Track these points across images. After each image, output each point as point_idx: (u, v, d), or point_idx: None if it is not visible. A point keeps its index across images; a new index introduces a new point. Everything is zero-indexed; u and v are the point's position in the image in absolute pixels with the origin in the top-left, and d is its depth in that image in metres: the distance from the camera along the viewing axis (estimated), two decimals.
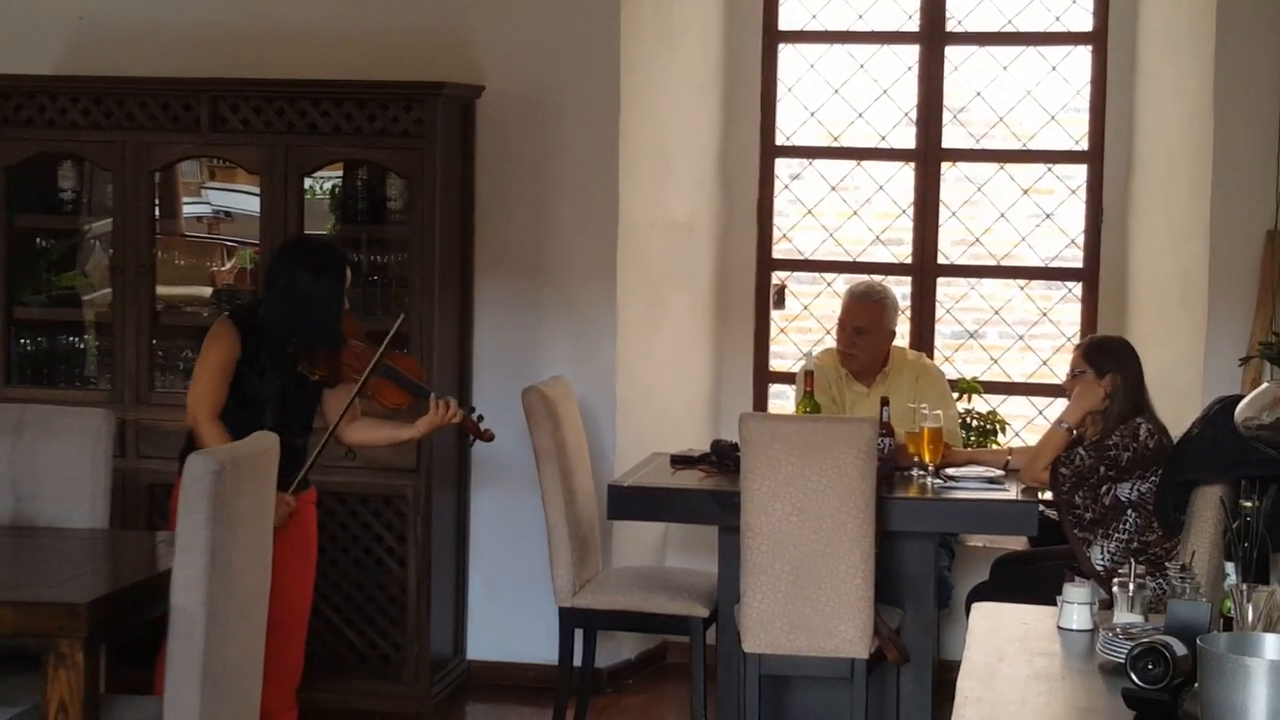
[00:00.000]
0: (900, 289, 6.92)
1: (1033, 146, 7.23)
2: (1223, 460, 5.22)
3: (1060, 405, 7.03)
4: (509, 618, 6.70)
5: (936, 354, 7.14)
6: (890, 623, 5.43)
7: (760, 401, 7.33)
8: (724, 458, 5.83)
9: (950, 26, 7.17)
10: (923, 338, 7.16)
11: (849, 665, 5.27)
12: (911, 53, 7.21)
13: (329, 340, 5.18)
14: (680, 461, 5.97)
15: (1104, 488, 5.54)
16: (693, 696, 5.77)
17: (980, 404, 7.03)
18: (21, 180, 6.54)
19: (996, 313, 7.30)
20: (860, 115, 7.31)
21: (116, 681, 4.97)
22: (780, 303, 7.40)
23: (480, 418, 5.54)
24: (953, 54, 7.19)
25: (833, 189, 7.38)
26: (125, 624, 4.57)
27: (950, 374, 6.90)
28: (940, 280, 7.23)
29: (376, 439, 5.48)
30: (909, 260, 7.25)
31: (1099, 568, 5.54)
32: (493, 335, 6.69)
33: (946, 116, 7.19)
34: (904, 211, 7.27)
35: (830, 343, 6.73)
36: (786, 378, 7.25)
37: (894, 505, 5.50)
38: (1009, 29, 7.19)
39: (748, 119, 7.25)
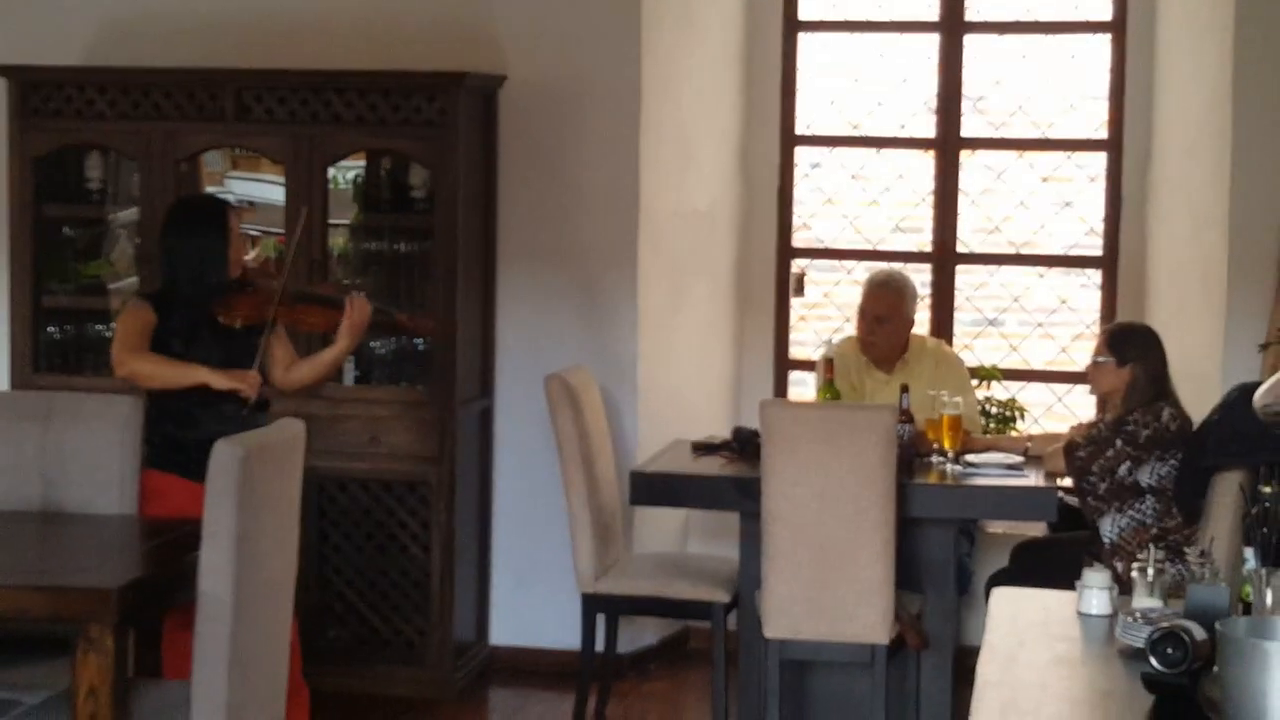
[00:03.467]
0: (920, 277, 6.94)
1: (1052, 135, 7.24)
2: (1242, 446, 5.23)
3: (1080, 392, 7.07)
4: (532, 603, 6.74)
5: (956, 341, 7.17)
6: (911, 608, 5.46)
7: (780, 389, 7.36)
8: (745, 444, 5.86)
9: (969, 15, 7.18)
10: (942, 325, 7.18)
11: (869, 651, 5.30)
12: (931, 41, 7.22)
13: (219, 285, 5.23)
14: (701, 448, 6.00)
15: (1123, 466, 5.55)
16: (714, 681, 5.80)
17: (1000, 391, 7.05)
18: (49, 170, 6.58)
19: (1016, 300, 7.32)
20: (880, 104, 7.33)
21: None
22: (800, 290, 7.43)
23: (413, 313, 5.73)
24: (972, 43, 7.20)
25: (853, 177, 7.40)
26: (153, 609, 4.62)
27: (970, 361, 6.92)
28: (960, 268, 7.25)
29: (312, 370, 5.49)
30: (929, 248, 7.27)
31: (1105, 540, 5.56)
32: (515, 323, 6.73)
33: (966, 105, 7.21)
34: (923, 200, 7.29)
35: (850, 330, 6.76)
36: (806, 365, 7.28)
37: (914, 492, 5.52)
38: (1028, 18, 7.20)
39: (768, 108, 7.28)
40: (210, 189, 6.76)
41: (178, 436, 5.17)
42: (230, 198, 6.58)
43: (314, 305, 5.41)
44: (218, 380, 5.15)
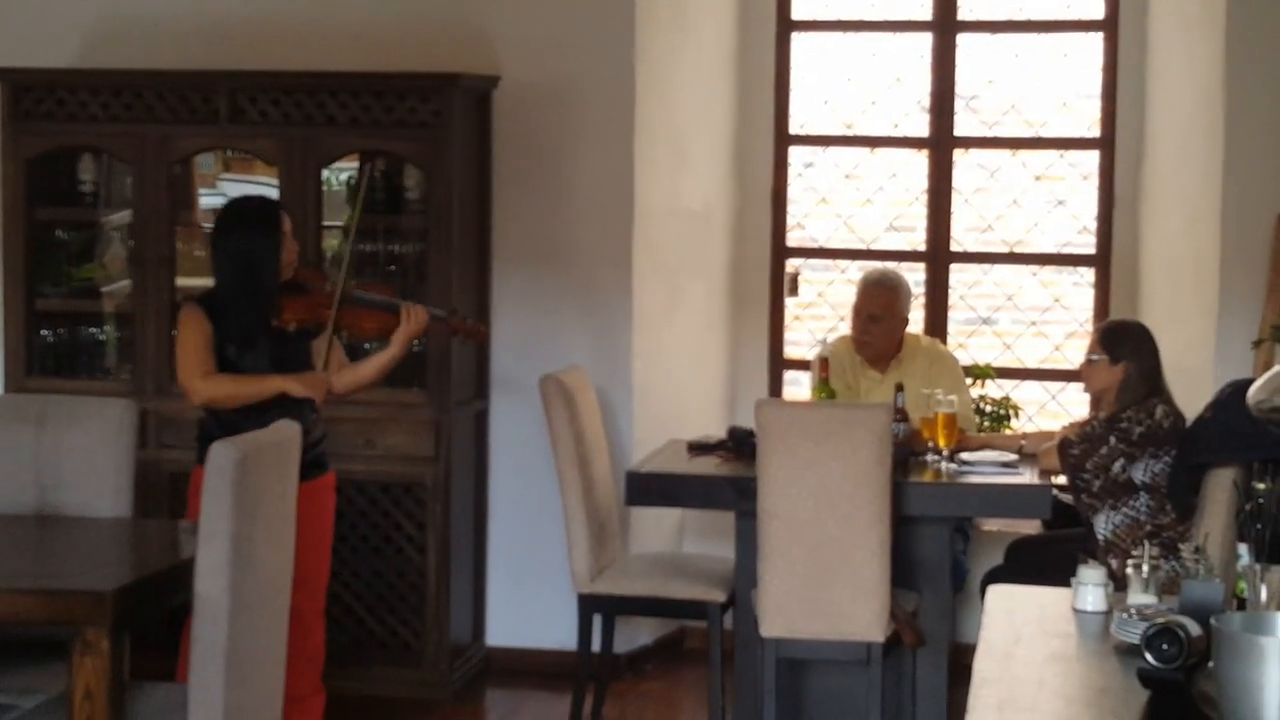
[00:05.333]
0: (914, 276, 6.95)
1: (1045, 133, 7.26)
2: (1236, 443, 5.24)
3: (1073, 390, 7.09)
4: (528, 604, 6.74)
5: (950, 340, 7.17)
6: (906, 606, 5.47)
7: (775, 388, 7.37)
8: (740, 444, 5.86)
9: (962, 14, 7.19)
10: (936, 324, 7.19)
11: (865, 649, 5.31)
12: (924, 41, 7.23)
13: (272, 286, 5.21)
14: (697, 448, 6.00)
15: (1117, 463, 5.57)
16: (710, 681, 5.81)
17: (994, 389, 7.06)
18: (41, 173, 6.58)
19: (1009, 299, 7.33)
20: (873, 103, 7.34)
21: (138, 668, 5.01)
22: (794, 290, 7.43)
23: (465, 318, 5.70)
24: (965, 42, 7.21)
25: (846, 177, 7.41)
26: (150, 612, 4.62)
27: (964, 360, 6.93)
28: (953, 267, 7.26)
29: (363, 376, 5.47)
30: (922, 247, 7.28)
31: (1100, 537, 5.58)
32: (510, 324, 6.73)
33: (959, 104, 7.22)
34: (917, 199, 7.30)
35: (844, 329, 6.77)
36: (801, 364, 7.28)
37: (909, 490, 5.53)
38: (1020, 16, 7.21)
39: (761, 108, 7.29)
40: (203, 191, 6.76)
41: (219, 436, 5.13)
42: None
43: (368, 309, 5.37)
44: (294, 388, 5.14)
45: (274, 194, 6.36)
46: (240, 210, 5.35)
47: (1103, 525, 5.59)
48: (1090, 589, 4.00)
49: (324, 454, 5.29)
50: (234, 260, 5.20)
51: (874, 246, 7.38)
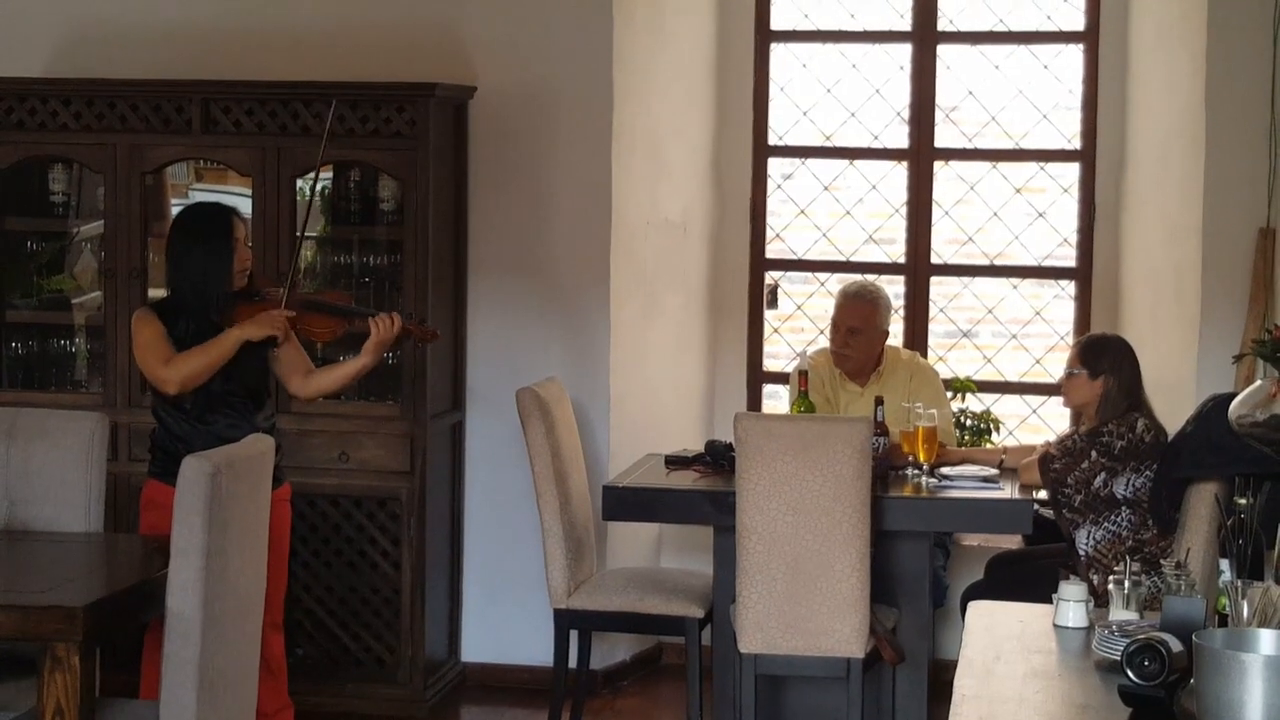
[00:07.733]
0: (893, 288, 6.92)
1: (1025, 145, 7.23)
2: (1217, 458, 5.23)
3: (1054, 404, 7.06)
4: (504, 620, 6.70)
5: (930, 353, 7.15)
6: (886, 622, 5.44)
7: (754, 402, 7.33)
8: (718, 458, 5.83)
9: (942, 25, 7.17)
10: (916, 337, 7.17)
11: (845, 665, 5.28)
12: (904, 52, 7.21)
13: (223, 294, 5.15)
14: (675, 462, 5.96)
15: (1099, 478, 5.54)
16: (688, 697, 5.76)
17: (974, 403, 7.04)
18: (12, 183, 6.54)
19: (990, 311, 7.30)
20: (853, 115, 7.31)
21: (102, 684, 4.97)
22: (773, 303, 7.41)
23: (422, 321, 5.65)
24: (945, 53, 7.19)
25: (825, 189, 7.38)
26: (121, 628, 4.58)
27: (944, 373, 6.90)
28: (933, 279, 7.24)
29: (332, 381, 5.41)
30: (902, 260, 7.25)
31: (1081, 553, 5.55)
32: (486, 336, 6.69)
33: (939, 115, 7.19)
34: (897, 211, 7.27)
35: (824, 342, 6.74)
36: (780, 378, 7.26)
37: (889, 504, 5.50)
38: (1001, 28, 7.19)
39: (740, 118, 7.26)
40: (175, 202, 6.71)
41: (172, 449, 5.09)
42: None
43: (323, 314, 5.33)
44: (251, 332, 5.09)
45: (243, 204, 6.29)
46: (191, 217, 5.31)
47: (1084, 540, 5.56)
48: (1071, 605, 3.99)
49: (279, 466, 5.23)
50: (184, 268, 5.17)
51: (853, 259, 7.35)
